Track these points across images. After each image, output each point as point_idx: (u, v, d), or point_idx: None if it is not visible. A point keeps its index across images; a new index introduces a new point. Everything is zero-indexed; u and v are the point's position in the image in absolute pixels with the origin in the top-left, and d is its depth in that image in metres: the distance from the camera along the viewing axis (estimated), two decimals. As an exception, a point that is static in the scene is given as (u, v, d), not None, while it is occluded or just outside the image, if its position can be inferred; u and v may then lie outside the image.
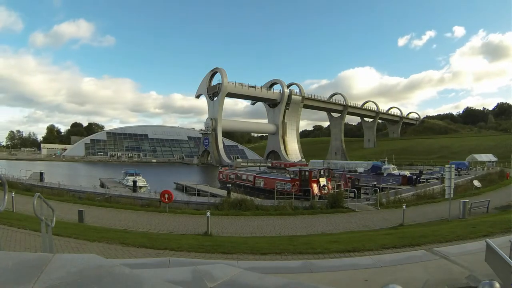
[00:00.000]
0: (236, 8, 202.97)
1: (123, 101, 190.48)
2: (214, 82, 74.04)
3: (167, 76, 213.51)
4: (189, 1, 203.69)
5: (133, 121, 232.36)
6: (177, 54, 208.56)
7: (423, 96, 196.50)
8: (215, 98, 71.36)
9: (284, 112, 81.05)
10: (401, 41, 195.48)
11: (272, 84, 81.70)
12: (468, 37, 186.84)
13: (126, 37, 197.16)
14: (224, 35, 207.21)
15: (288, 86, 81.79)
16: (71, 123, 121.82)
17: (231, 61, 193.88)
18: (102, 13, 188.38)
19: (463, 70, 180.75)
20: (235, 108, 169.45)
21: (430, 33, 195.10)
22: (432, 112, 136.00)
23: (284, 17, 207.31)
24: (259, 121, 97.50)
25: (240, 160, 71.87)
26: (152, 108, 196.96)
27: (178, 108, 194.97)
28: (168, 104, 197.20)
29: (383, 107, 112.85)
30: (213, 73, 73.75)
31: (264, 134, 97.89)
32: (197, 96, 78.67)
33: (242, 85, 73.67)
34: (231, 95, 75.02)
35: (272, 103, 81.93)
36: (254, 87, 76.29)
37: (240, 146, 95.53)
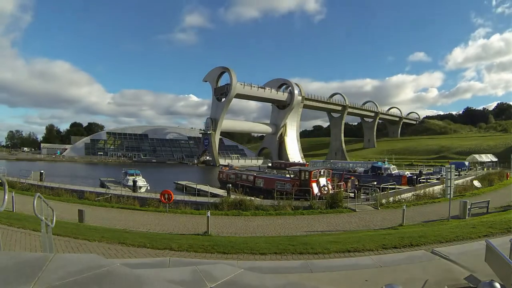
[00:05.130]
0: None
1: (160, 104, 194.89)
2: (222, 82, 72.25)
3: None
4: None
5: (160, 122, 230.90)
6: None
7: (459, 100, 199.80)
8: (223, 99, 69.91)
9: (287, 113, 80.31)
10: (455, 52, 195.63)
11: (281, 85, 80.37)
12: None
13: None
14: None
15: (288, 86, 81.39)
16: (71, 123, 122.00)
17: (232, 60, 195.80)
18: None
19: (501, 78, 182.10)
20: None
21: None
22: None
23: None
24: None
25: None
26: (182, 109, 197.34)
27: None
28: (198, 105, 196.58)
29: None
30: (221, 73, 72.09)
31: (264, 134, 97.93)
32: (205, 80, 76.27)
33: (251, 86, 72.06)
34: (240, 96, 73.31)
35: (281, 105, 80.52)
36: (264, 88, 74.93)
37: (240, 146, 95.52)
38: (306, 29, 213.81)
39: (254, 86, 73.00)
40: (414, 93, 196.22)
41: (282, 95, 78.65)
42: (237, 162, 70.07)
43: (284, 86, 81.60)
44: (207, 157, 69.86)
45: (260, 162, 75.83)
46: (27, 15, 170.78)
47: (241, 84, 70.13)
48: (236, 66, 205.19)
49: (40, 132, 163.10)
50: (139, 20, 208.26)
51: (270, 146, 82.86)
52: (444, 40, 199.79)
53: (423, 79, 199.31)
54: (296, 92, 78.31)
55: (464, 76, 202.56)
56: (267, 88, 75.77)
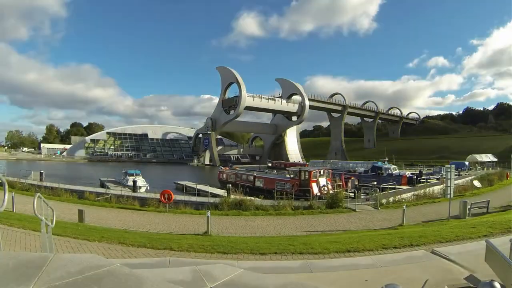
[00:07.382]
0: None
1: (179, 106, 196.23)
2: (230, 94, 70.83)
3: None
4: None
5: (174, 123, 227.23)
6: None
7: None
8: (231, 112, 68.90)
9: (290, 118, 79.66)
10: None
11: (290, 95, 78.77)
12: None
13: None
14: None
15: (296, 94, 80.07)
16: (71, 123, 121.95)
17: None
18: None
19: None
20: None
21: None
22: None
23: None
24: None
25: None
26: (202, 109, 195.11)
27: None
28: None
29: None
30: (228, 84, 70.79)
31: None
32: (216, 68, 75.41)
33: (261, 98, 70.38)
34: (249, 108, 71.08)
35: (290, 116, 79.14)
36: (274, 99, 73.26)
37: (240, 146, 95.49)
38: (350, 41, 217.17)
39: (264, 98, 71.16)
40: (432, 97, 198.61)
41: (292, 107, 75.97)
42: (230, 149, 72.08)
43: (285, 92, 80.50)
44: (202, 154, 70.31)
45: (245, 150, 76.69)
46: (81, 19, 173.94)
47: (250, 96, 68.31)
48: (270, 68, 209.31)
49: (40, 132, 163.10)
50: (182, 25, 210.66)
51: (265, 141, 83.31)
52: (463, 45, 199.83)
53: (441, 84, 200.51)
54: (306, 103, 75.84)
55: (480, 81, 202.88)
56: (277, 100, 73.88)
